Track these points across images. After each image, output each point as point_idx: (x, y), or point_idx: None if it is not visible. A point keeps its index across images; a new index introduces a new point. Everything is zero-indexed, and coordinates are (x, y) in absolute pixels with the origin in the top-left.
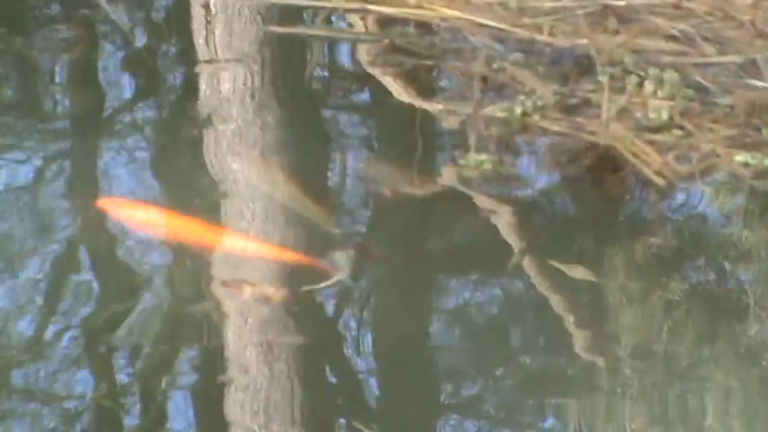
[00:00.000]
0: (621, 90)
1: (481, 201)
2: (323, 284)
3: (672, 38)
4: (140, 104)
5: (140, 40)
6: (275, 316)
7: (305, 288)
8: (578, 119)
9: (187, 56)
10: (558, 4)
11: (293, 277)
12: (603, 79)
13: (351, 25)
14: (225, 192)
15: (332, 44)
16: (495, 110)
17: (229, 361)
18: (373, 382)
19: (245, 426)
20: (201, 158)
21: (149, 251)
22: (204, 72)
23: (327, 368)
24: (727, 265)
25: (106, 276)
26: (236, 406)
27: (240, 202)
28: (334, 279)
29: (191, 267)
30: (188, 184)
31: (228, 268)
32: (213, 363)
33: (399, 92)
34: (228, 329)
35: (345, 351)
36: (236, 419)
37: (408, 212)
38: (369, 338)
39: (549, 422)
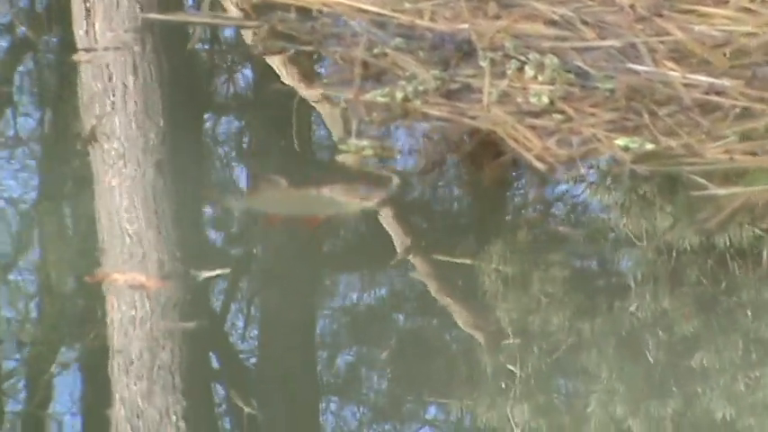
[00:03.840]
0: (502, 75)
1: (362, 186)
2: (206, 274)
3: (552, 22)
4: (19, 95)
5: (21, 30)
6: (160, 305)
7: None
8: (459, 104)
9: (69, 46)
10: None
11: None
12: (484, 64)
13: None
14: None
15: (215, 29)
16: (377, 95)
17: (114, 350)
18: (255, 368)
19: (128, 393)
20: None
21: (21, 246)
22: (84, 60)
23: (210, 355)
24: (607, 248)
25: None
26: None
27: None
28: (216, 272)
29: (67, 260)
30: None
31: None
32: (98, 352)
33: (285, 76)
34: (113, 319)
35: (227, 339)
36: (120, 408)
37: (291, 201)
38: (250, 328)
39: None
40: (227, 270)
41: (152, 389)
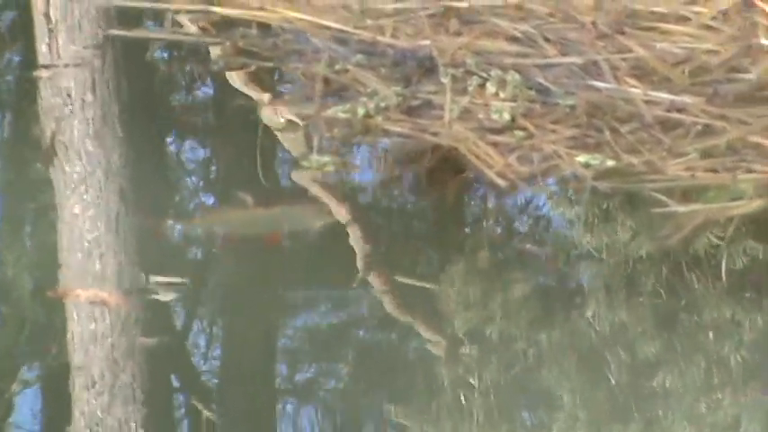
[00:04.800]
0: (464, 91)
1: (323, 203)
2: (163, 281)
3: (514, 39)
4: None
5: None
6: (120, 321)
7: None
8: (421, 120)
9: (31, 63)
10: (401, 5)
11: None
12: (446, 80)
13: (180, 25)
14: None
15: (177, 45)
16: (338, 111)
17: (74, 367)
18: (216, 385)
19: (88, 407)
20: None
21: None
22: (44, 77)
23: (171, 372)
24: (569, 265)
25: None
26: (82, 405)
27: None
28: (172, 279)
29: (29, 276)
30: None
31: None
32: (58, 369)
33: (248, 91)
34: (74, 335)
35: (188, 356)
36: (80, 419)
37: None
38: (212, 344)
39: (393, 417)
40: (185, 281)
41: (112, 402)
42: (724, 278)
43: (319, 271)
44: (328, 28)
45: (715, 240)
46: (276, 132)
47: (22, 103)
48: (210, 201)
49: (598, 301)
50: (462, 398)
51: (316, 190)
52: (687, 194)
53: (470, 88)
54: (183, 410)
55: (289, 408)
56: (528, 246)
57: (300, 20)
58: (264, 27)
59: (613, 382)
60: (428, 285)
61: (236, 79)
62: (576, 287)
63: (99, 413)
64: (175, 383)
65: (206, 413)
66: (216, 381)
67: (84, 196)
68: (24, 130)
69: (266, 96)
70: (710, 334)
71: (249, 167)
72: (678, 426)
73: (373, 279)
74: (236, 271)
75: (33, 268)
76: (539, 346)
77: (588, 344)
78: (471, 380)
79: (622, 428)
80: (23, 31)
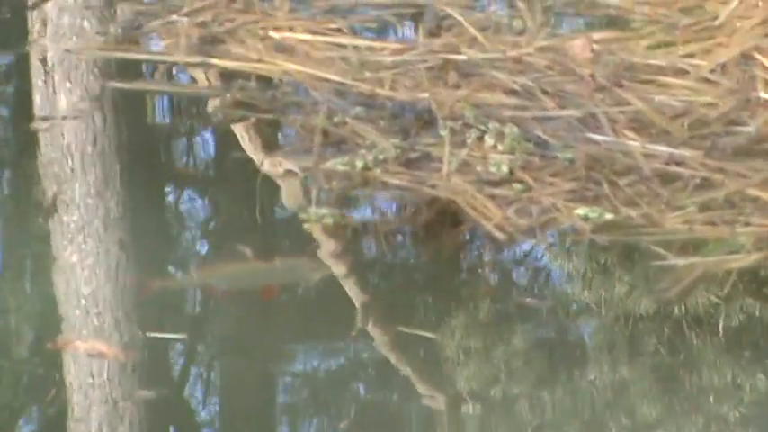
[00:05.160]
0: (462, 144)
1: (321, 256)
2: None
3: (512, 92)
4: None
5: None
6: (118, 373)
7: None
8: (419, 173)
9: (28, 115)
10: (399, 58)
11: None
12: (444, 133)
13: (194, 79)
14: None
15: (176, 97)
16: (336, 164)
17: (73, 418)
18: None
19: None
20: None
21: None
22: (42, 129)
23: (170, 425)
24: (568, 319)
25: None
26: None
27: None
28: (172, 335)
29: (25, 331)
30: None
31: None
32: (57, 422)
33: (246, 145)
34: (73, 388)
35: (189, 407)
36: None
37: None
38: (210, 398)
39: None
40: (183, 336)
41: None
42: (721, 335)
43: (318, 322)
44: (327, 80)
45: (714, 299)
46: (277, 181)
47: (21, 156)
48: (209, 253)
49: (597, 356)
50: None
51: (319, 235)
52: (685, 248)
53: (469, 141)
54: None
55: None
56: (527, 299)
57: (300, 72)
58: (263, 79)
59: (610, 424)
60: (427, 334)
61: (238, 131)
62: (575, 340)
63: None
64: None
65: None
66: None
67: (83, 246)
68: (25, 183)
69: (263, 152)
70: (708, 391)
71: (249, 219)
72: None
73: (372, 329)
74: (234, 323)
75: (33, 320)
76: (539, 402)
77: (588, 399)
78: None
79: None
80: (22, 82)
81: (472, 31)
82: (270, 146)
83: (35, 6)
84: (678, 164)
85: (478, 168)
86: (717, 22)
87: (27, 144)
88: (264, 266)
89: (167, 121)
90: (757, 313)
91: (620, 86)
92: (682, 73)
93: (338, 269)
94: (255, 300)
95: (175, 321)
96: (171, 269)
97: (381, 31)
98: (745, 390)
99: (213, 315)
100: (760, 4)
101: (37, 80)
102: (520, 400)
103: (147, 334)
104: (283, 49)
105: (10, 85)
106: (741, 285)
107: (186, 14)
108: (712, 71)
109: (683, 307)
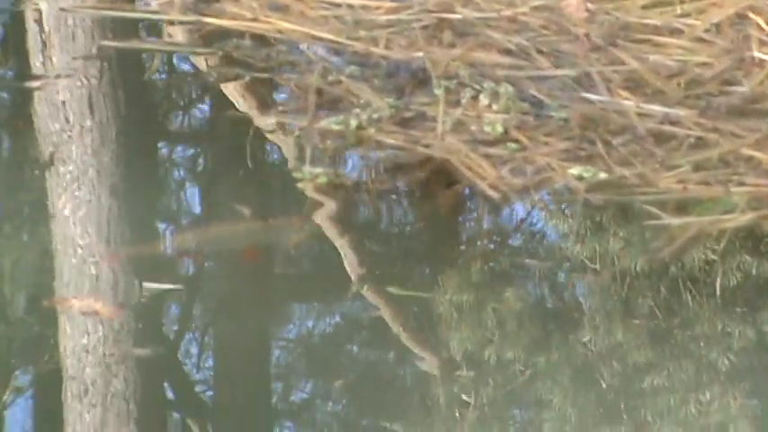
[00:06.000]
0: (457, 103)
1: (315, 215)
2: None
3: (507, 51)
4: None
5: None
6: (113, 331)
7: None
8: (414, 132)
9: (25, 73)
10: (394, 17)
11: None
12: (439, 92)
13: (170, 36)
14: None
15: (170, 58)
16: (331, 123)
17: (68, 377)
18: (209, 397)
19: (81, 421)
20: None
21: None
22: (37, 88)
23: (165, 383)
24: (561, 278)
25: None
26: (75, 420)
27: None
28: (168, 286)
29: (22, 285)
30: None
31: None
32: (51, 378)
33: (241, 103)
34: (66, 346)
35: (183, 366)
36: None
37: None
38: (204, 354)
39: None
40: (180, 287)
41: (105, 417)
42: (718, 293)
43: (311, 282)
44: (322, 39)
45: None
46: (270, 136)
47: (17, 116)
48: (202, 211)
49: (591, 315)
50: (459, 411)
51: (313, 194)
52: (680, 207)
53: (463, 100)
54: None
55: (285, 422)
56: (523, 258)
57: (294, 31)
58: (258, 38)
59: (605, 386)
60: (421, 294)
61: (230, 90)
62: (570, 300)
63: (89, 420)
64: (170, 398)
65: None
66: (209, 394)
67: (77, 193)
68: (21, 143)
69: (257, 108)
70: (702, 345)
71: (243, 177)
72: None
73: (365, 290)
74: (226, 284)
75: (30, 274)
76: (534, 360)
77: (583, 358)
78: (467, 396)
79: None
80: (18, 41)
81: None
82: (264, 105)
83: None
84: (672, 123)
85: (473, 128)
86: None
87: (23, 103)
88: (252, 227)
89: (162, 80)
90: (754, 271)
91: (615, 46)
92: (676, 32)
93: (331, 229)
94: (244, 260)
95: (171, 274)
96: (161, 225)
97: None
98: (737, 340)
99: (204, 274)
100: None
101: (32, 39)
102: (514, 360)
103: (144, 284)
104: (278, 7)
105: (6, 44)
106: (738, 243)
107: None
108: (707, 31)
109: (679, 264)
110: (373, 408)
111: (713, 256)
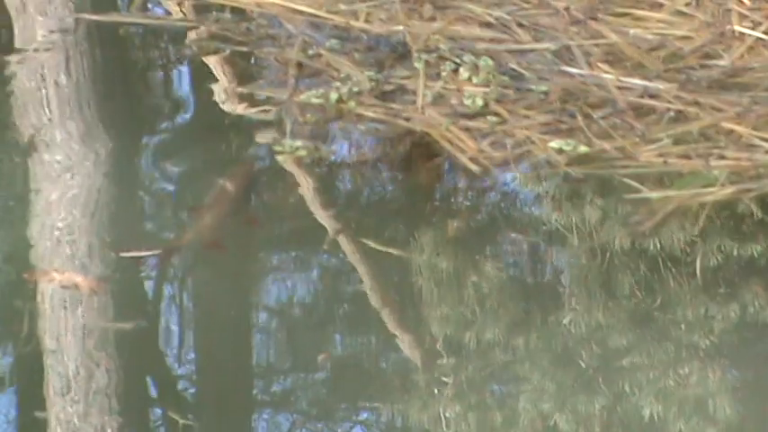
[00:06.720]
0: (437, 77)
1: (295, 188)
2: (137, 254)
3: (487, 25)
4: None
5: None
6: (94, 304)
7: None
8: (394, 105)
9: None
10: None
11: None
12: (419, 66)
13: (168, 11)
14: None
15: (150, 30)
16: (311, 96)
17: (48, 350)
18: (191, 369)
19: (64, 414)
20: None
21: None
22: (16, 62)
23: (146, 356)
24: (538, 248)
25: None
26: (56, 395)
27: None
28: (146, 252)
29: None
30: None
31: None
32: (32, 352)
33: (221, 76)
34: (47, 318)
35: (164, 338)
36: (55, 408)
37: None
38: (187, 324)
39: (363, 401)
40: (157, 252)
41: (88, 411)
42: (698, 273)
43: (294, 255)
44: (302, 13)
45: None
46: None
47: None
48: (185, 187)
49: (567, 283)
50: (433, 377)
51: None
52: (660, 181)
53: (443, 74)
54: (159, 417)
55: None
56: (504, 231)
57: (274, 4)
58: (238, 11)
59: (583, 363)
60: (398, 252)
61: (211, 63)
62: (549, 270)
63: (76, 421)
64: (151, 373)
65: (181, 420)
66: (190, 372)
67: (54, 175)
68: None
69: (232, 84)
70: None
71: (225, 152)
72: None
73: (345, 245)
74: (206, 251)
75: (8, 252)
76: (508, 330)
77: (558, 328)
78: (441, 360)
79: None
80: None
81: None
82: (244, 78)
83: None
84: (653, 97)
85: (453, 101)
86: None
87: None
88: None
89: (142, 53)
90: (735, 252)
91: (595, 20)
92: (657, 6)
93: (313, 203)
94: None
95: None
96: (142, 197)
97: None
98: (717, 321)
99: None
100: None
101: (12, 12)
102: (488, 326)
103: (121, 254)
104: None
105: None
106: (719, 222)
107: None
108: (687, 4)
109: (657, 242)
110: (348, 371)
111: (694, 237)
